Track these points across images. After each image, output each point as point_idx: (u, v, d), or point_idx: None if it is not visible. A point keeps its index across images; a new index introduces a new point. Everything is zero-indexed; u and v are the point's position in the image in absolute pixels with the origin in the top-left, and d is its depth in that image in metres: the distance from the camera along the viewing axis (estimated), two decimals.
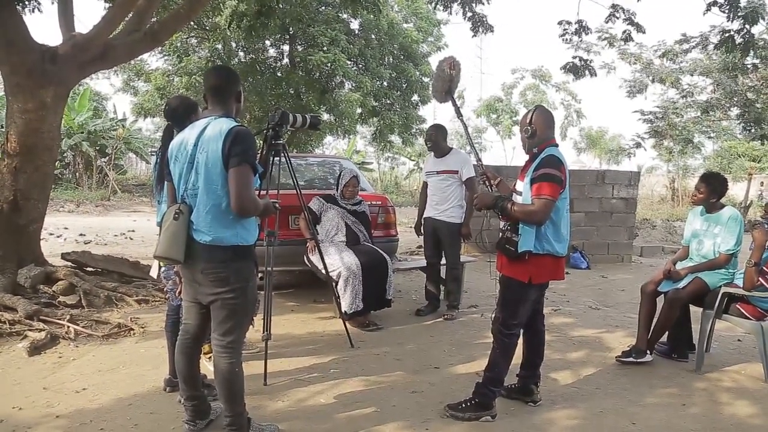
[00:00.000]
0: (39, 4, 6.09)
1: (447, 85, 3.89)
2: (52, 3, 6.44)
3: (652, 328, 4.22)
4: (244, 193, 2.46)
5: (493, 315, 3.33)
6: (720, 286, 4.06)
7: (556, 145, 3.20)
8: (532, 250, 3.06)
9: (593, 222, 9.09)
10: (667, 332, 4.27)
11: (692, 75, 14.17)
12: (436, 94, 4.04)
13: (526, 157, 3.29)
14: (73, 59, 5.33)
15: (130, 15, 5.89)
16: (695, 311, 4.32)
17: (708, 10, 6.44)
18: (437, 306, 5.62)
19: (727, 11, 6.29)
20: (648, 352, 4.20)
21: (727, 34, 6.40)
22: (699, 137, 16.49)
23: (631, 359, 4.18)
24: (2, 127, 15.31)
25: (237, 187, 2.45)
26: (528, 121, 3.19)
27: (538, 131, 3.17)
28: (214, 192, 2.50)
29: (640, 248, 10.51)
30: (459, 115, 3.86)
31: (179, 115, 3.28)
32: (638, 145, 15.34)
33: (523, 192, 3.12)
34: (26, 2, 5.87)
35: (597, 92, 60.46)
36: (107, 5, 7.56)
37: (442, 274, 5.79)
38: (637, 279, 7.33)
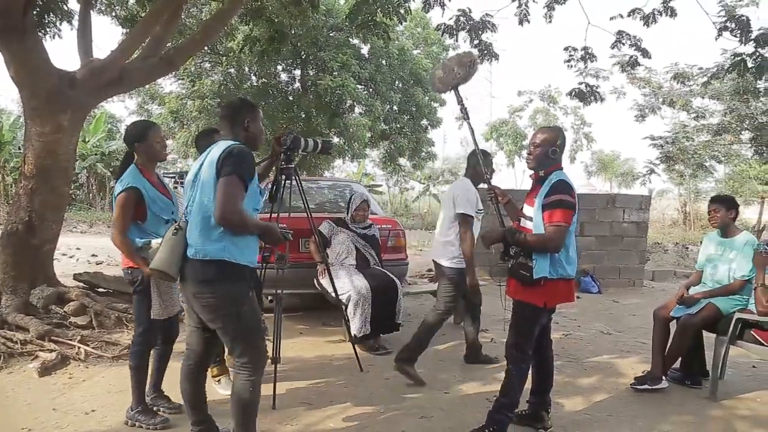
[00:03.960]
0: (60, 30, 6.25)
1: (457, 81, 3.73)
2: (71, 29, 6.63)
3: (666, 354, 4.17)
4: (225, 201, 2.45)
5: (506, 340, 3.30)
6: (734, 312, 4.01)
7: (562, 169, 3.19)
8: (547, 276, 3.05)
9: (604, 246, 9.04)
10: (680, 358, 4.22)
11: (703, 98, 14.18)
12: (440, 83, 3.84)
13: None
14: (91, 84, 5.44)
15: (147, 41, 6.02)
16: (708, 337, 4.26)
17: (719, 35, 6.49)
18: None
19: (738, 35, 6.33)
20: (663, 378, 4.15)
21: (739, 58, 6.43)
22: (710, 161, 16.41)
23: (646, 386, 4.13)
24: (19, 149, 15.58)
25: (220, 195, 2.46)
26: (556, 141, 3.16)
27: (559, 154, 3.17)
28: (204, 204, 2.55)
29: (651, 272, 10.41)
30: (466, 116, 3.76)
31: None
32: (651, 172, 15.34)
33: (534, 218, 3.10)
34: (47, 29, 6.02)
35: (608, 115, 60.56)
36: (124, 31, 7.77)
37: None
38: (648, 303, 7.25)
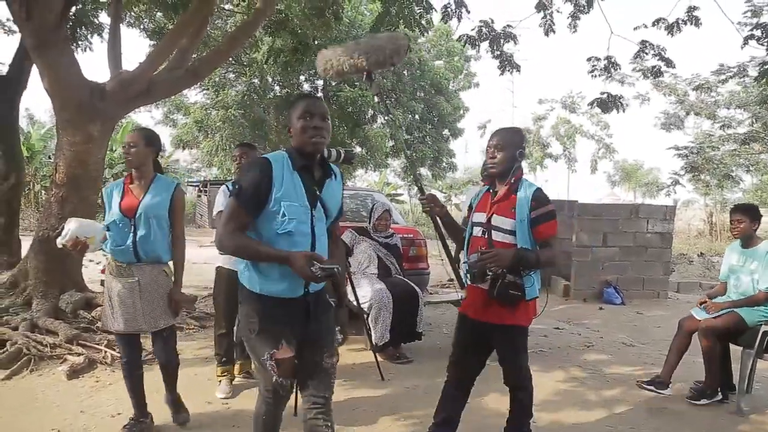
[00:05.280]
0: (90, 43, 6.44)
1: (377, 65, 3.17)
2: (102, 42, 6.82)
3: (709, 370, 4.10)
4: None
5: (511, 370, 3.04)
6: (759, 324, 3.95)
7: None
8: (537, 294, 2.88)
9: (627, 257, 8.93)
10: (707, 371, 4.13)
11: (728, 108, 13.99)
12: (355, 64, 3.13)
13: (503, 187, 2.92)
14: (120, 95, 5.59)
15: (173, 53, 6.16)
16: (735, 351, 4.19)
17: (746, 43, 6.42)
18: None
19: (765, 43, 6.26)
20: (669, 385, 4.17)
21: (766, 66, 6.34)
22: (737, 170, 16.16)
23: (651, 388, 4.15)
24: (50, 158, 15.99)
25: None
26: (521, 142, 2.92)
27: (524, 156, 2.94)
28: None
29: (676, 284, 10.24)
30: (386, 111, 3.65)
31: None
32: (676, 183, 15.16)
33: (518, 231, 2.80)
34: (79, 42, 6.21)
35: (632, 123, 59.80)
36: (152, 43, 7.96)
37: None
38: (673, 315, 7.12)
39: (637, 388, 4.38)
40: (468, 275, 2.91)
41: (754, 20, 6.82)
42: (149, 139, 3.20)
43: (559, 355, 5.37)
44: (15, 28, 6.30)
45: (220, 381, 4.08)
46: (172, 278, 3.31)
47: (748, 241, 4.17)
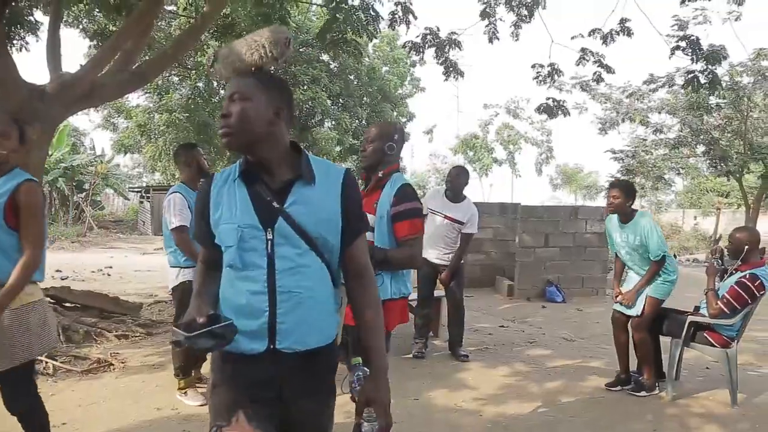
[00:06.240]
0: (27, 43, 6.22)
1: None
2: (37, 41, 6.59)
3: (645, 363, 4.34)
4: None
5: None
6: (669, 290, 4.27)
7: (400, 170, 2.87)
8: (392, 297, 2.65)
9: (568, 256, 9.31)
10: (645, 364, 4.37)
11: (660, 113, 14.80)
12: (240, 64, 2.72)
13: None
14: (61, 97, 5.42)
15: (118, 55, 6.03)
16: (665, 342, 4.48)
17: (672, 53, 6.86)
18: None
19: (690, 53, 6.71)
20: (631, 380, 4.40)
21: (691, 75, 6.79)
22: (669, 173, 17.08)
23: (618, 388, 4.39)
24: None
25: None
26: (392, 135, 2.78)
27: (396, 152, 2.81)
28: None
29: None
30: None
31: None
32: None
33: (377, 228, 2.66)
34: (14, 41, 5.99)
35: (572, 129, 62.05)
36: (92, 44, 7.75)
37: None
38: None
39: (577, 380, 4.62)
40: None
41: (681, 33, 7.27)
42: None
43: (504, 352, 5.57)
44: None
45: (185, 392, 3.94)
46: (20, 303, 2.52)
47: (624, 216, 4.33)
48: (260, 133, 1.58)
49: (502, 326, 6.80)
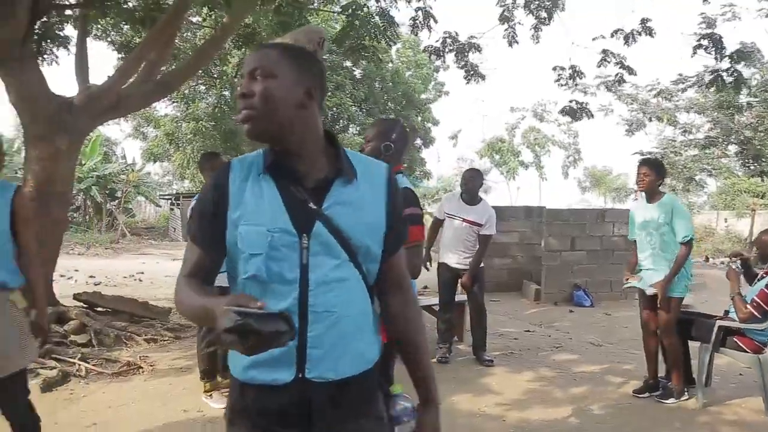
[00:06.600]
0: (57, 57, 6.42)
1: None
2: (68, 54, 6.80)
3: (676, 368, 4.22)
4: None
5: None
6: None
7: (402, 172, 2.71)
8: None
9: (595, 260, 9.17)
10: (674, 370, 4.26)
11: (688, 113, 14.51)
12: None
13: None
14: (89, 109, 5.59)
15: (142, 66, 6.19)
16: (694, 347, 4.37)
17: (694, 52, 6.74)
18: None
19: (713, 52, 6.57)
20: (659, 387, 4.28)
21: (715, 74, 6.66)
22: (700, 174, 16.72)
23: (647, 394, 4.27)
24: (16, 173, 15.72)
25: None
26: (389, 134, 2.61)
27: (396, 152, 2.62)
28: None
29: None
30: None
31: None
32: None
33: None
34: (45, 56, 6.19)
35: (599, 131, 61.25)
36: (120, 56, 7.95)
37: None
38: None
39: (604, 386, 4.55)
40: None
41: (708, 30, 7.13)
42: None
43: (529, 357, 5.51)
44: None
45: (211, 395, 4.01)
46: (21, 306, 2.60)
47: (652, 196, 4.24)
48: (289, 118, 1.31)
49: (528, 331, 6.73)
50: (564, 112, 8.38)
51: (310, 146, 1.36)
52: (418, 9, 6.94)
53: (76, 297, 6.08)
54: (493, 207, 5.49)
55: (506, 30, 7.15)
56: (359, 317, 1.36)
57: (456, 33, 7.17)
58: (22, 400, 2.55)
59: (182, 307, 1.36)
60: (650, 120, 14.28)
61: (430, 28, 7.05)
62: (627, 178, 32.77)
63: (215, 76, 13.49)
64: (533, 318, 7.61)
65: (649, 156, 4.18)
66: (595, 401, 4.21)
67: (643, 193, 4.32)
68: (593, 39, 7.35)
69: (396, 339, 1.49)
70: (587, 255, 9.12)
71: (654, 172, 4.16)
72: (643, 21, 6.94)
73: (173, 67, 7.60)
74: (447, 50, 7.25)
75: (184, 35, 9.83)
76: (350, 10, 6.05)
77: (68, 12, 6.48)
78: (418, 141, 17.22)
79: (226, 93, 14.46)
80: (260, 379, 1.30)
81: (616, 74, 7.72)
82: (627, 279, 4.46)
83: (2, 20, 4.99)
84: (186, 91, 14.34)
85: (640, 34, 6.97)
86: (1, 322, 2.45)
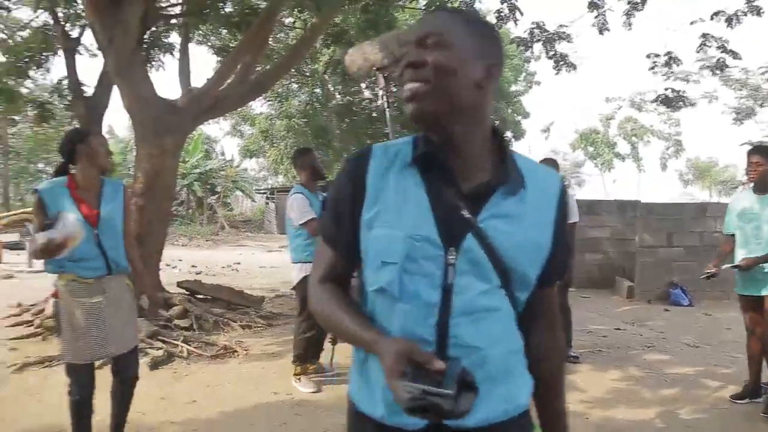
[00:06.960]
0: (163, 63, 6.99)
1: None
2: (174, 59, 7.35)
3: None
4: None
5: None
6: None
7: None
8: None
9: (695, 257, 8.63)
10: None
11: None
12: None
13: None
14: (191, 110, 6.04)
15: (238, 68, 6.58)
16: None
17: None
18: None
19: None
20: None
21: None
22: None
23: (746, 400, 4.00)
24: (129, 170, 17.15)
25: None
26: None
27: None
28: None
29: None
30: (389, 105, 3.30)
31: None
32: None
33: None
34: (153, 62, 6.75)
35: (703, 121, 57.04)
36: (219, 59, 8.47)
37: None
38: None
39: (697, 389, 4.33)
40: None
41: None
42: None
43: (617, 355, 5.33)
44: (97, 52, 6.88)
45: (299, 379, 4.21)
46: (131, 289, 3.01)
47: (763, 186, 3.85)
48: (464, 99, 1.07)
49: (618, 329, 6.49)
50: (659, 100, 7.95)
51: (476, 140, 1.11)
52: (503, 1, 6.84)
53: (179, 285, 6.60)
54: (585, 200, 5.36)
55: (596, 17, 6.89)
56: (509, 357, 1.14)
57: (543, 23, 7.01)
58: (136, 358, 3.09)
59: (329, 324, 1.20)
60: (761, 106, 13.15)
61: (516, 21, 6.94)
62: (735, 169, 30.43)
63: (307, 74, 13.94)
64: (624, 316, 7.33)
65: (761, 143, 3.77)
66: (686, 404, 4.03)
67: (752, 185, 3.96)
68: (691, 23, 6.92)
69: (533, 376, 1.23)
70: (685, 251, 8.63)
71: (767, 160, 3.78)
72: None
73: (267, 67, 7.99)
74: (535, 40, 7.10)
75: (277, 36, 10.27)
76: (434, 6, 6.10)
77: (173, 21, 7.02)
78: (509, 134, 16.91)
79: (318, 90, 14.92)
80: (393, 421, 1.09)
81: (718, 59, 7.20)
82: (710, 269, 4.16)
83: (118, 31, 5.49)
84: (279, 90, 14.91)
85: (745, 15, 6.46)
86: (121, 304, 2.88)
